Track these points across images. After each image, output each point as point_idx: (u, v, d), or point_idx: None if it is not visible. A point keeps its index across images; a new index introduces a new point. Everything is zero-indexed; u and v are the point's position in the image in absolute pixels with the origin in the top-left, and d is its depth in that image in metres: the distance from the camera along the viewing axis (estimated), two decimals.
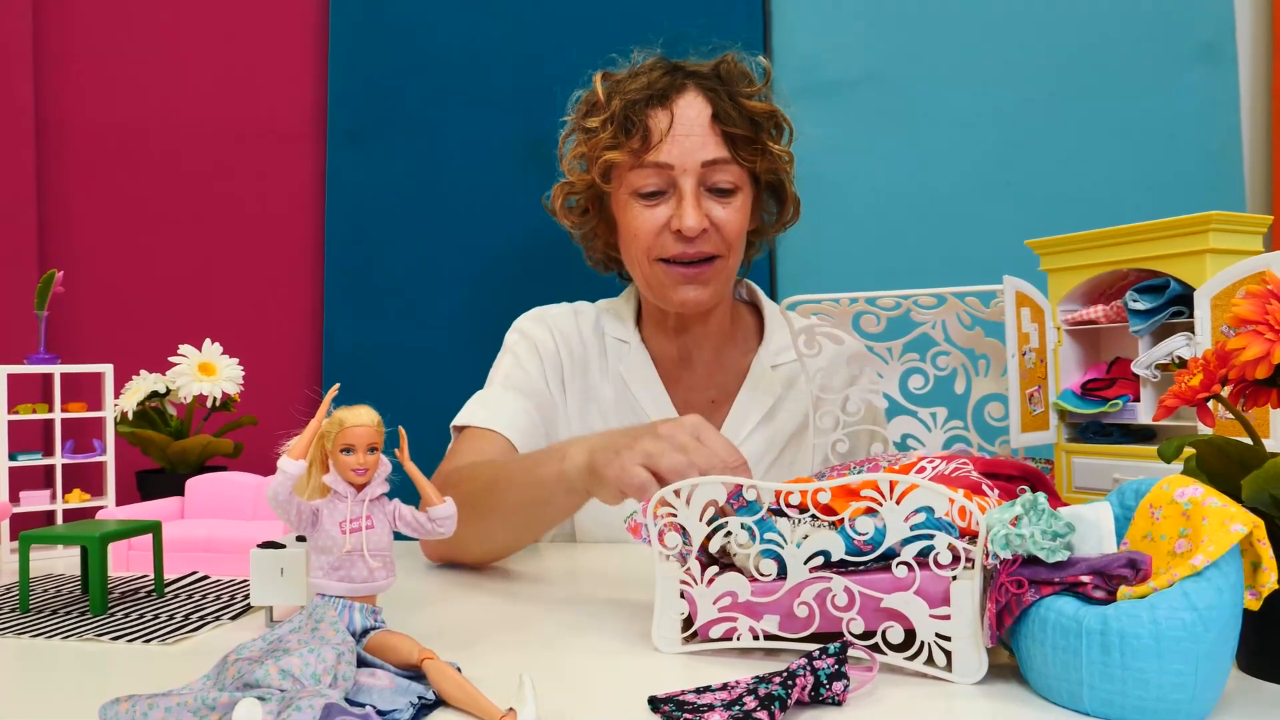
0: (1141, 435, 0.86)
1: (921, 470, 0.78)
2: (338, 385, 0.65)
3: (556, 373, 1.21)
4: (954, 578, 0.62)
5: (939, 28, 1.51)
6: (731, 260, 1.14)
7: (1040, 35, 1.49)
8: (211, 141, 1.55)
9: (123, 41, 1.53)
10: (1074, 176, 1.48)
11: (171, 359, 1.27)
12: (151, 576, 0.92)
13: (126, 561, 1.00)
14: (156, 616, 0.80)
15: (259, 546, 0.77)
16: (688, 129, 1.09)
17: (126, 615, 0.81)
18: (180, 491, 1.09)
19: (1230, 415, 0.62)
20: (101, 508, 1.09)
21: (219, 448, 1.25)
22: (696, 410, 1.16)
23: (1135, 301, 0.82)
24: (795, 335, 1.01)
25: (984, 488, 0.71)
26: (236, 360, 1.29)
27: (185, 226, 1.52)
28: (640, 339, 1.22)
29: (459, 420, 1.17)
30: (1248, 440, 0.63)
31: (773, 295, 1.51)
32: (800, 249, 1.51)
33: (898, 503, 0.63)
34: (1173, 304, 0.80)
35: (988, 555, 0.60)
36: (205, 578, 0.94)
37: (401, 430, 0.65)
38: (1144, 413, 0.83)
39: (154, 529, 0.88)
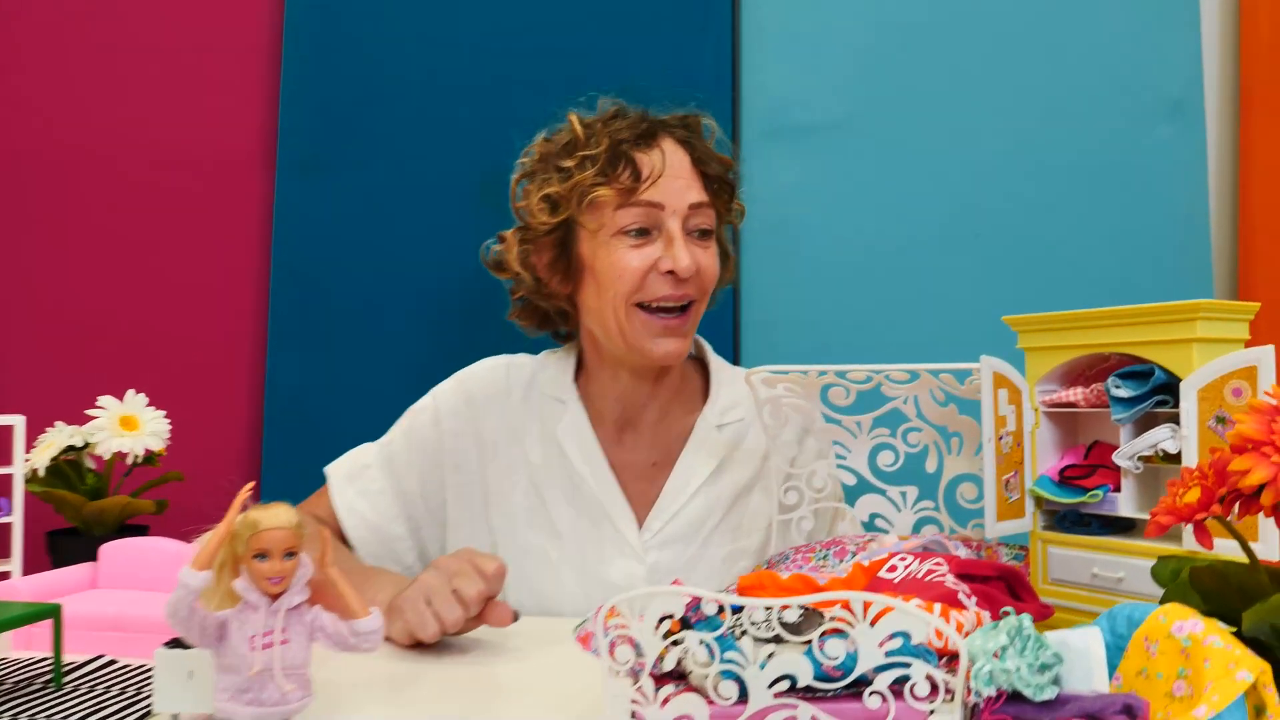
0: (1121, 526, 0.82)
1: (893, 569, 0.73)
2: (251, 485, 0.58)
3: (454, 458, 1.12)
4: (931, 712, 0.56)
5: (912, 76, 1.48)
6: (702, 307, 1.11)
7: (1012, 87, 1.47)
8: (148, 168, 1.47)
9: (50, 59, 1.45)
10: (1043, 231, 1.45)
11: (89, 411, 1.18)
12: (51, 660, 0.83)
13: (28, 639, 0.91)
14: (50, 719, 0.72)
15: (165, 645, 0.69)
16: (676, 171, 1.07)
17: (15, 715, 0.73)
18: (94, 556, 1.01)
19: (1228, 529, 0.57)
20: (5, 574, 1.00)
21: (139, 508, 1.16)
22: (638, 473, 1.13)
23: (1118, 388, 0.78)
24: (760, 406, 0.96)
25: (960, 597, 0.66)
26: (163, 413, 1.21)
27: (113, 261, 1.44)
28: (578, 397, 1.14)
29: (331, 472, 1.14)
30: (1243, 558, 0.59)
31: (736, 347, 1.45)
32: (766, 299, 1.47)
33: (872, 624, 0.58)
34: (1157, 392, 0.76)
35: (969, 691, 0.55)
36: (113, 663, 0.86)
37: (325, 534, 0.59)
38: (1125, 505, 0.79)
39: (54, 613, 0.80)
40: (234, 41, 1.51)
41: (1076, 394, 0.82)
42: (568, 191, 1.07)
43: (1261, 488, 0.51)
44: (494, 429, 1.13)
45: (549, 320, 1.19)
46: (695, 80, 1.50)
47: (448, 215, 1.52)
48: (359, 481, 1.13)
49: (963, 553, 0.80)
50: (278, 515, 0.57)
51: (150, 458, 1.20)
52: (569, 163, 1.08)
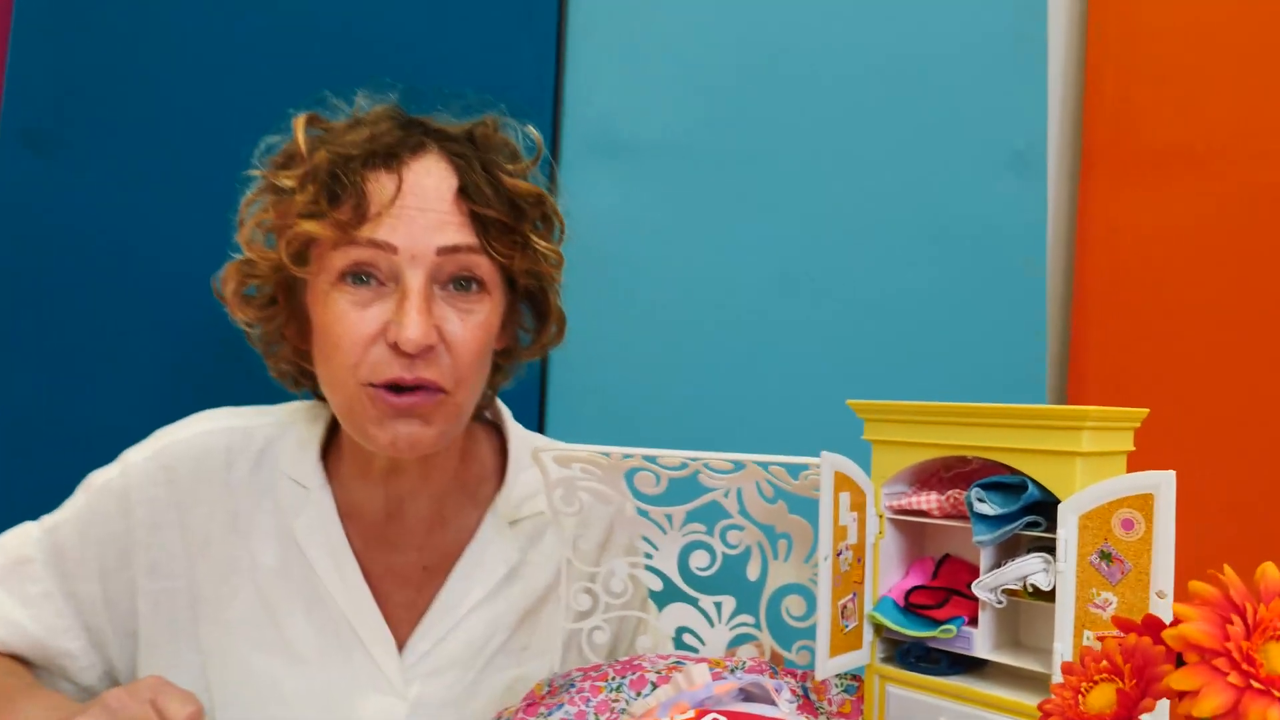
0: (973, 664, 0.67)
1: None
2: None
3: (149, 555, 0.85)
4: None
5: (753, 99, 1.34)
6: (462, 396, 0.82)
7: (856, 125, 1.35)
8: None
9: None
10: (879, 279, 1.35)
11: None
12: None
13: None
14: None
15: None
16: (421, 201, 0.79)
17: None
18: None
19: None
20: None
21: None
22: (404, 579, 0.89)
23: (981, 501, 0.63)
24: (551, 488, 0.77)
25: None
26: None
27: None
28: (325, 481, 0.87)
29: None
30: None
31: (541, 415, 1.24)
32: (579, 342, 1.28)
33: None
34: (1028, 511, 0.62)
35: None
36: None
37: None
38: (980, 644, 0.64)
39: None
40: None
41: (930, 501, 0.67)
42: (279, 221, 0.81)
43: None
44: (205, 516, 0.85)
45: (310, 381, 0.90)
46: (510, 82, 1.32)
47: (207, 209, 1.25)
48: (16, 579, 0.84)
49: (786, 707, 0.63)
50: None
51: None
52: (288, 181, 0.81)
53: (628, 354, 1.21)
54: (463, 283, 0.81)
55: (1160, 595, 0.56)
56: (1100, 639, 0.50)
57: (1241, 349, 1.28)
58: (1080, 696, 0.43)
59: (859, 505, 0.67)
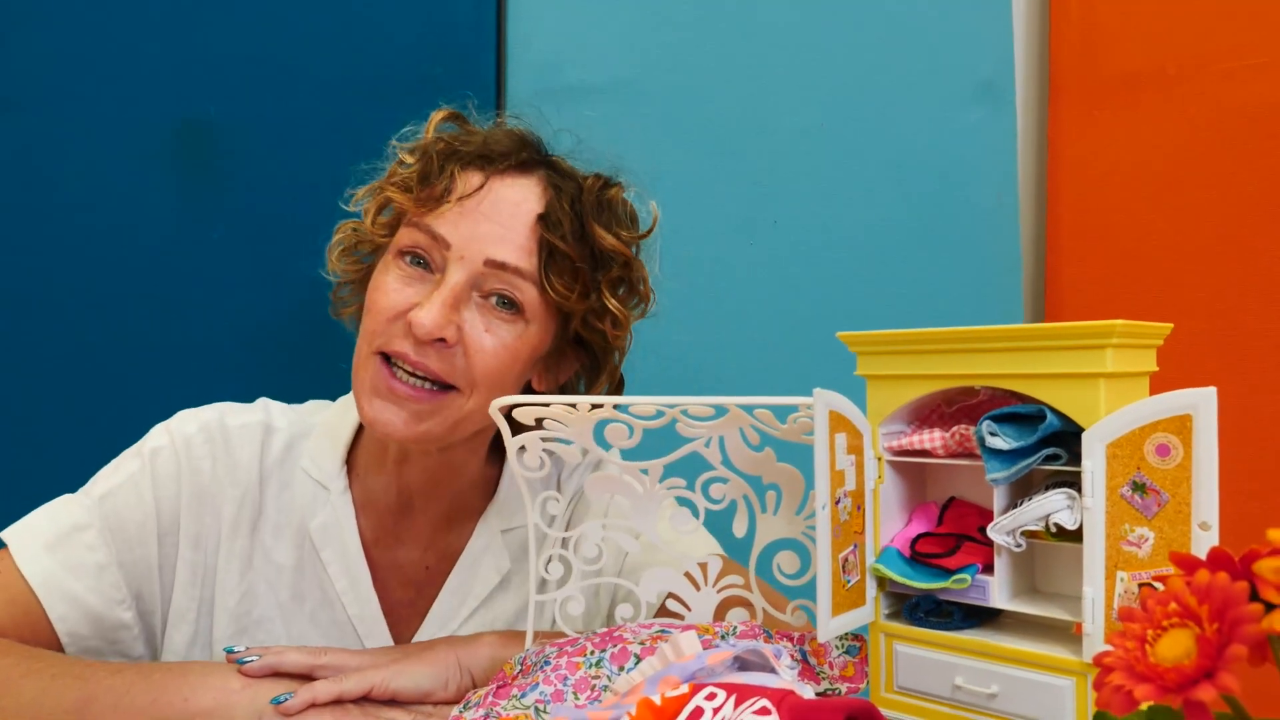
0: (987, 616, 0.61)
1: (698, 714, 0.49)
2: None
3: (195, 523, 0.83)
4: None
5: (705, 38, 1.27)
6: (473, 402, 0.79)
7: (816, 62, 1.28)
8: None
9: None
10: (845, 218, 1.28)
11: None
12: None
13: None
14: None
15: None
16: (494, 211, 0.79)
17: None
18: None
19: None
20: None
21: None
22: (407, 577, 0.87)
23: (993, 436, 0.57)
24: (513, 450, 0.69)
25: None
26: None
27: None
28: (346, 486, 0.86)
29: (13, 538, 0.78)
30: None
31: None
32: None
33: None
34: (1047, 443, 0.56)
35: None
36: None
37: None
38: (998, 593, 0.58)
39: None
40: None
41: (933, 439, 0.61)
42: (381, 188, 0.84)
43: None
44: (236, 502, 0.84)
45: None
46: (450, 27, 1.24)
47: (129, 178, 1.16)
48: (72, 550, 0.78)
49: (787, 674, 0.57)
50: None
51: None
52: (409, 157, 0.84)
53: None
54: (504, 301, 0.80)
55: (1204, 527, 0.50)
56: (1160, 579, 0.44)
57: (1217, 272, 1.24)
58: (1148, 647, 0.36)
59: (856, 448, 0.61)
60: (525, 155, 0.83)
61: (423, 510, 0.88)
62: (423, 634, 0.86)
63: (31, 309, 1.13)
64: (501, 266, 0.78)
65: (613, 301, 0.83)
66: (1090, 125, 1.35)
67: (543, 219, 0.80)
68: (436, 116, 0.87)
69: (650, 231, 0.88)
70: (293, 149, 1.18)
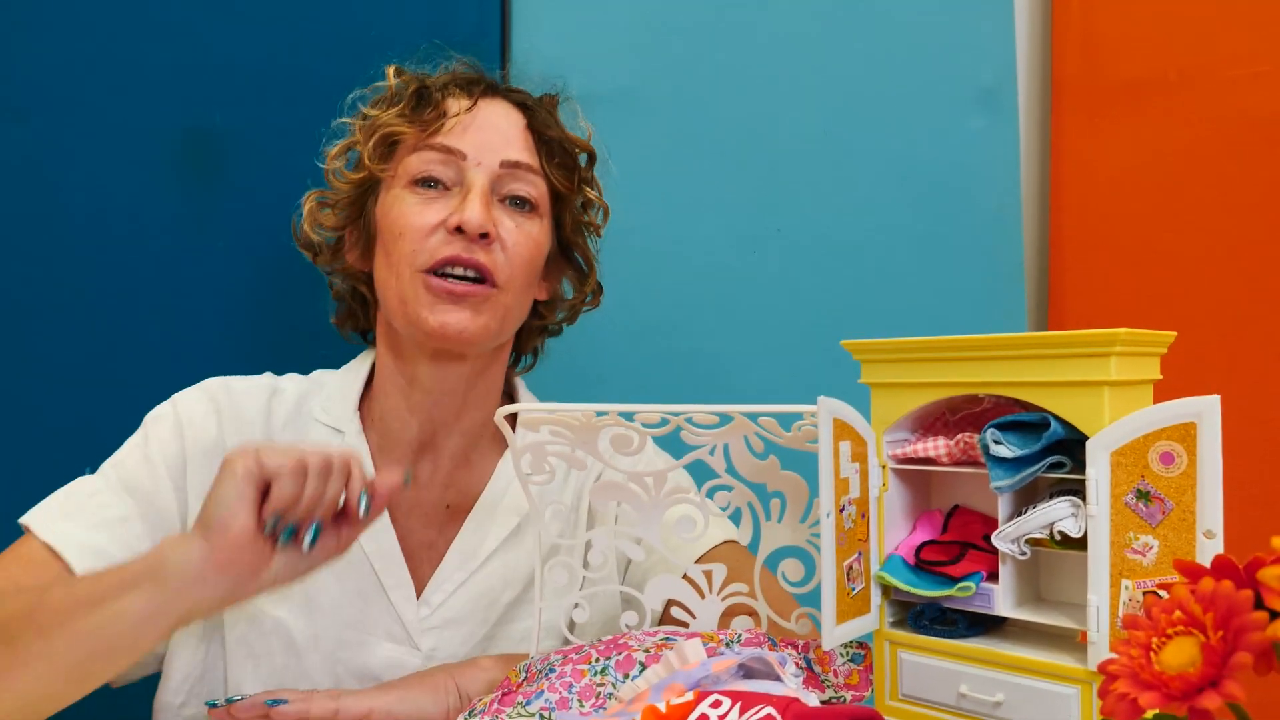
0: (992, 624, 0.62)
1: None
2: None
3: (200, 481, 0.82)
4: None
5: (708, 47, 1.27)
6: (509, 298, 0.86)
7: (819, 70, 1.29)
8: None
9: None
10: (848, 225, 1.28)
11: None
12: None
13: None
14: None
15: None
16: (491, 124, 0.88)
17: None
18: None
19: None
20: None
21: None
22: (427, 518, 0.88)
23: (997, 444, 0.57)
24: (518, 455, 0.70)
25: None
26: None
27: None
28: (360, 428, 0.89)
29: (33, 521, 0.79)
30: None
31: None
32: None
33: None
34: (1050, 451, 0.56)
35: None
36: None
37: None
38: (1002, 601, 0.58)
39: None
40: None
41: (937, 447, 0.61)
42: (365, 137, 0.89)
43: None
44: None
45: (357, 316, 0.98)
46: (455, 37, 1.24)
47: (134, 185, 1.17)
48: (89, 509, 0.79)
49: (792, 682, 0.57)
50: None
51: None
52: (374, 110, 0.91)
53: (591, 314, 1.13)
54: (518, 201, 0.87)
55: (1208, 535, 0.50)
56: (1165, 587, 0.44)
57: (1220, 279, 1.24)
58: (1153, 655, 0.36)
59: (860, 455, 0.61)
60: (490, 81, 0.93)
61: (445, 447, 0.90)
62: (443, 576, 0.86)
63: (37, 316, 1.13)
64: (516, 165, 0.87)
65: (593, 192, 0.94)
66: (1093, 132, 1.35)
67: (529, 122, 0.90)
68: (390, 71, 0.94)
69: (588, 135, 0.96)
70: (297, 158, 1.18)
